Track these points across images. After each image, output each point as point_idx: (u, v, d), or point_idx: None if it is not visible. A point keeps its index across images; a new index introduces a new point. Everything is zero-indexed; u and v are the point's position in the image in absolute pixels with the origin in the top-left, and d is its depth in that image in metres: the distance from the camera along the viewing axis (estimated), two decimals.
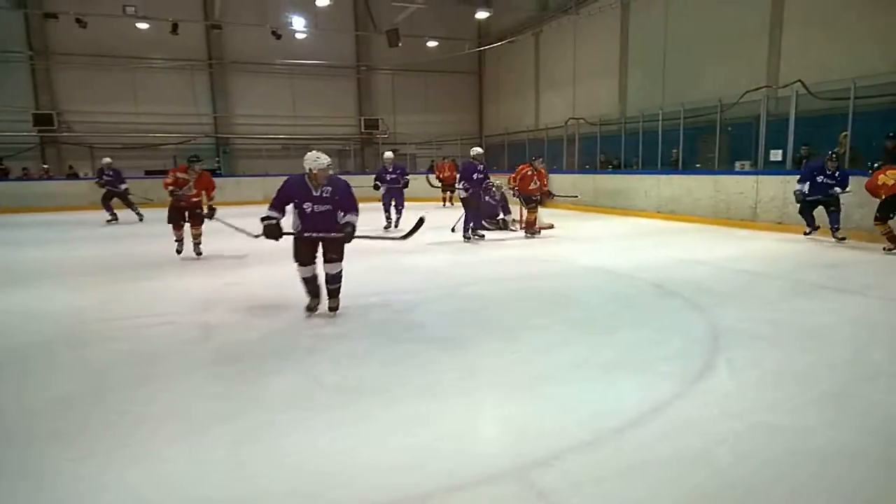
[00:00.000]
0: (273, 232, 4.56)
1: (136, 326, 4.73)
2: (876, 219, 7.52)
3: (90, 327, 4.74)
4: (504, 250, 8.77)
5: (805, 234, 8.63)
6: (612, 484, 2.36)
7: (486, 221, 10.34)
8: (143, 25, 18.29)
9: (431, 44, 21.47)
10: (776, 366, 3.64)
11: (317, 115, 22.24)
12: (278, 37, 18.81)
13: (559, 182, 14.48)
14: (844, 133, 9.72)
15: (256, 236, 6.54)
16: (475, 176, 9.28)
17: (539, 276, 6.83)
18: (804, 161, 9.72)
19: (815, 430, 2.80)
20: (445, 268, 7.30)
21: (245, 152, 21.94)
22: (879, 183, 7.36)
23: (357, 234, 4.73)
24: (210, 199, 7.83)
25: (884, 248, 7.54)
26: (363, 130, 23.09)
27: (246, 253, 8.00)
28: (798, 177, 8.53)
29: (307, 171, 4.55)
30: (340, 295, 4.90)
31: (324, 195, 4.61)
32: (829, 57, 10.71)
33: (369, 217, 11.11)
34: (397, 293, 5.73)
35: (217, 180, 19.85)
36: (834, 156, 8.17)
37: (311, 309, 4.86)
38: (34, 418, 3.06)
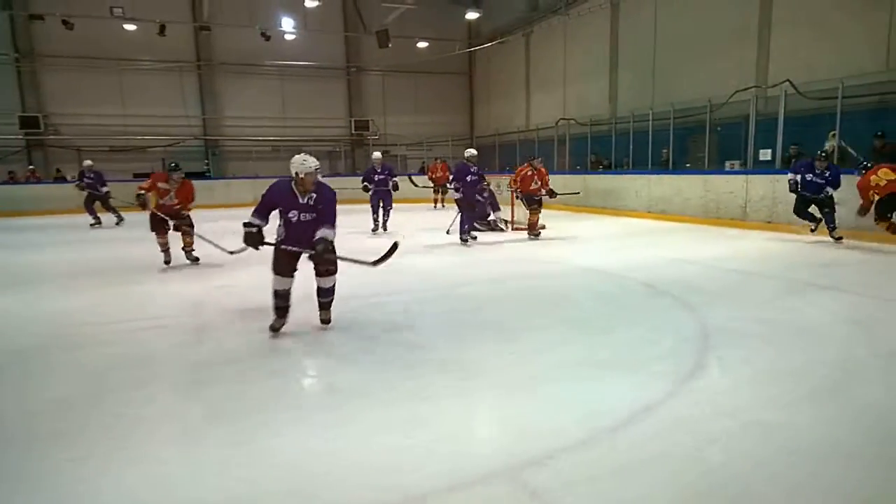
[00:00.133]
0: (253, 240, 4.23)
1: (130, 329, 4.72)
2: (876, 219, 7.45)
3: (84, 330, 4.74)
4: (497, 251, 8.77)
5: (812, 231, 8.48)
6: (605, 483, 2.36)
7: (477, 223, 10.28)
8: (130, 27, 18.17)
9: (421, 45, 21.46)
10: (767, 364, 3.65)
11: (307, 117, 22.16)
12: (267, 38, 18.76)
13: (551, 181, 14.45)
14: (833, 132, 9.79)
15: (231, 252, 6.38)
16: (469, 178, 9.17)
17: (531, 276, 6.83)
18: (793, 161, 9.76)
19: (807, 428, 2.80)
20: (440, 269, 7.29)
21: (234, 154, 21.84)
22: (872, 184, 7.31)
23: (326, 252, 4.21)
24: (187, 210, 7.41)
25: None
26: (353, 132, 23.04)
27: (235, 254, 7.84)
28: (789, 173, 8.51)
29: (294, 175, 4.21)
30: (335, 295, 4.60)
31: (309, 203, 4.28)
32: (818, 57, 10.78)
33: (359, 219, 11.16)
34: (392, 294, 5.71)
35: (207, 182, 19.97)
36: (823, 155, 8.17)
37: (276, 329, 4.35)
38: (33, 420, 3.08)
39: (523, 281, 6.57)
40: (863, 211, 7.54)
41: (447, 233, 10.10)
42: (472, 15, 20.86)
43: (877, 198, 7.38)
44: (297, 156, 4.27)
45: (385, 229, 10.94)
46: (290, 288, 4.35)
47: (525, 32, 20.15)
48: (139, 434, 2.87)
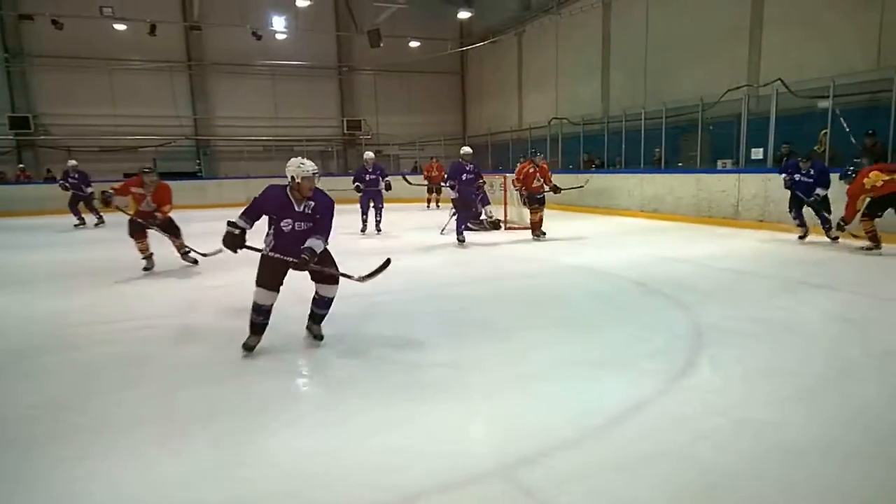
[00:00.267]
0: (233, 242, 3.80)
1: (124, 329, 4.71)
2: (864, 215, 7.33)
3: (79, 330, 4.74)
4: (490, 250, 8.75)
5: (799, 238, 8.40)
6: (598, 481, 2.36)
7: (470, 222, 10.20)
8: (120, 27, 18.07)
9: (413, 44, 21.43)
10: (759, 363, 3.66)
11: (299, 117, 22.11)
12: (259, 37, 18.69)
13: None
14: (824, 131, 9.84)
15: (205, 255, 6.21)
16: (464, 176, 9.06)
17: (525, 275, 6.82)
18: (785, 159, 9.81)
19: (799, 426, 2.80)
20: (433, 269, 7.28)
21: (226, 154, 21.75)
22: (867, 186, 7.14)
23: (313, 266, 3.86)
24: (163, 213, 6.97)
25: (863, 248, 7.41)
26: (346, 132, 23.00)
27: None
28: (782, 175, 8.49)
29: (289, 180, 3.85)
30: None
31: (306, 211, 3.89)
32: (809, 55, 10.83)
33: (352, 219, 11.12)
34: (385, 294, 5.68)
35: (199, 183, 19.86)
36: (806, 155, 8.09)
37: (251, 348, 3.92)
38: (29, 420, 3.08)
39: (516, 280, 6.57)
40: (845, 224, 7.44)
41: (441, 233, 10.07)
42: (464, 14, 20.86)
43: (867, 202, 7.27)
44: (293, 159, 3.90)
45: (378, 230, 10.79)
46: (272, 304, 3.93)
47: (517, 32, 20.16)
48: (134, 434, 2.86)
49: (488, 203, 10.44)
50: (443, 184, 11.55)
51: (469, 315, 5.00)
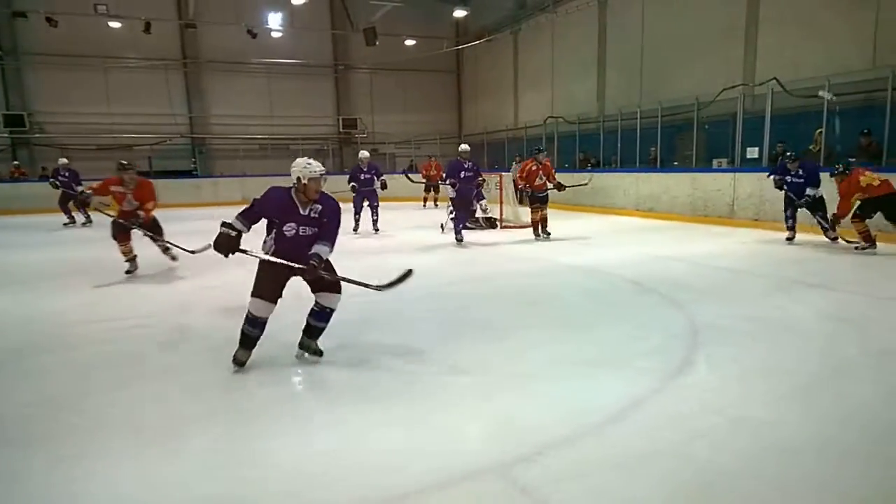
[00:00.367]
0: (226, 245, 3.50)
1: (120, 328, 4.71)
2: (855, 216, 7.31)
3: (75, 329, 4.74)
4: (485, 249, 8.76)
5: (787, 239, 8.34)
6: (594, 479, 2.37)
7: (468, 222, 10.17)
8: (115, 24, 18.00)
9: (409, 42, 21.43)
10: (755, 361, 3.67)
11: (294, 115, 22.04)
12: (254, 35, 18.64)
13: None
14: (819, 130, 9.87)
15: (193, 251, 5.92)
16: (462, 174, 9.00)
17: (519, 274, 6.83)
18: (780, 158, 9.82)
19: (795, 425, 2.81)
20: (429, 267, 7.24)
21: (222, 153, 21.68)
22: (864, 185, 7.12)
23: (326, 272, 3.63)
24: (147, 211, 6.66)
25: (855, 247, 7.42)
26: (341, 130, 22.95)
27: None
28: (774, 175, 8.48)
29: (295, 181, 3.56)
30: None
31: (312, 215, 3.61)
32: (805, 55, 10.85)
33: (343, 218, 11.05)
34: (380, 293, 5.67)
35: (194, 181, 19.75)
36: (792, 156, 8.06)
37: (242, 363, 3.62)
38: (27, 420, 3.07)
39: (512, 279, 6.57)
40: (837, 221, 7.43)
41: (442, 231, 10.02)
42: (459, 13, 20.82)
43: (857, 204, 7.23)
44: (299, 159, 3.62)
45: (376, 230, 10.66)
46: (268, 317, 3.61)
47: (513, 30, 20.15)
48: (132, 434, 2.86)
49: (483, 198, 10.30)
50: (441, 182, 11.48)
51: (465, 313, 5.01)
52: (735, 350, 3.87)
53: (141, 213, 6.66)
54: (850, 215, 7.34)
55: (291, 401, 3.27)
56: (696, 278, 6.21)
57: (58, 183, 12.52)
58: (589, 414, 2.93)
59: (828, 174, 7.73)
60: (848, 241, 7.70)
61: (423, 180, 16.59)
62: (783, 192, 8.25)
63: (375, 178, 10.63)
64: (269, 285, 3.57)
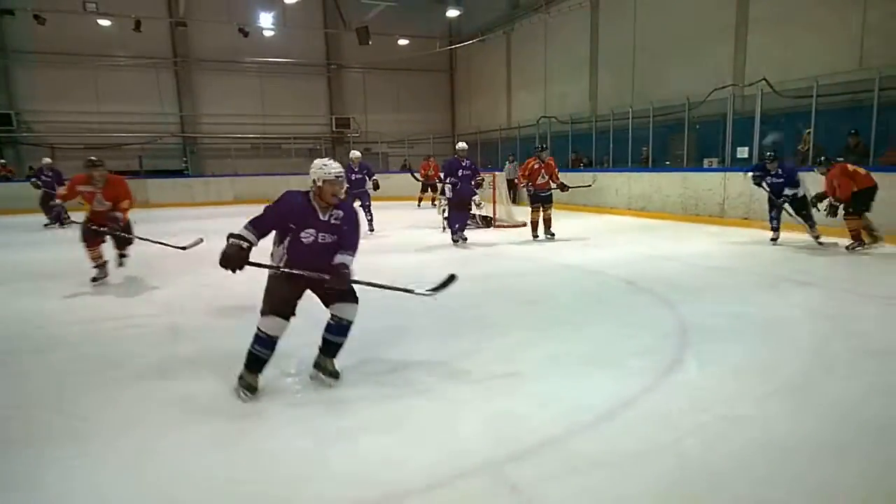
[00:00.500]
0: (235, 260, 3.04)
1: (108, 329, 4.69)
2: (847, 214, 7.28)
3: (63, 330, 4.70)
4: (480, 249, 8.75)
5: (771, 240, 8.28)
6: (584, 476, 2.37)
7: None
8: (104, 22, 17.90)
9: (402, 42, 21.40)
10: (745, 359, 3.69)
11: (287, 114, 21.96)
12: (245, 34, 18.55)
13: None
14: (808, 130, 9.93)
15: (183, 248, 5.75)
16: (461, 172, 8.90)
17: (512, 273, 6.84)
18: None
19: (782, 421, 2.83)
20: (424, 267, 7.25)
21: (213, 152, 21.57)
22: (851, 170, 7.13)
23: (359, 280, 3.43)
24: (122, 210, 6.08)
25: (847, 247, 7.40)
26: (334, 129, 22.90)
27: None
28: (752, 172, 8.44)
29: (311, 185, 3.27)
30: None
31: (333, 221, 3.29)
32: (794, 56, 10.93)
33: None
34: (375, 292, 5.66)
35: (186, 180, 19.64)
36: (771, 155, 8.03)
37: (254, 390, 3.23)
38: (7, 420, 3.04)
39: (504, 278, 6.57)
40: (833, 209, 7.35)
41: (443, 230, 9.93)
42: (452, 13, 20.83)
43: (854, 189, 7.17)
44: (317, 160, 3.34)
45: (371, 229, 10.42)
46: (280, 336, 3.25)
47: (506, 31, 20.18)
48: (120, 435, 2.83)
49: (475, 193, 9.92)
50: (439, 182, 11.36)
51: (458, 312, 4.99)
52: (726, 348, 3.89)
53: (118, 213, 6.07)
54: (843, 213, 7.34)
55: (286, 400, 3.23)
56: (688, 277, 6.23)
57: (39, 183, 12.42)
58: (580, 412, 2.94)
59: (813, 171, 7.78)
60: (820, 243, 7.77)
61: (422, 179, 16.54)
62: (760, 187, 8.22)
63: (367, 177, 10.45)
64: (283, 301, 3.25)
